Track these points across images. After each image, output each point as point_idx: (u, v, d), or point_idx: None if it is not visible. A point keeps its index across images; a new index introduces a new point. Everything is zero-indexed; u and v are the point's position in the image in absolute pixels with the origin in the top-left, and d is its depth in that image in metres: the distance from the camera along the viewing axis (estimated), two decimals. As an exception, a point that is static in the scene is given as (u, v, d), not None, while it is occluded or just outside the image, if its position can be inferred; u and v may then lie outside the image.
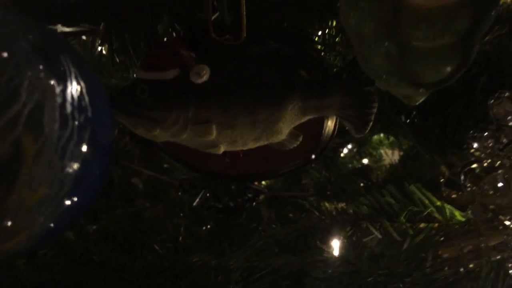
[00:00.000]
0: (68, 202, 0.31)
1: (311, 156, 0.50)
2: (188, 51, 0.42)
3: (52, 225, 0.31)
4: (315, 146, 0.49)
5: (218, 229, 0.98)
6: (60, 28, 0.41)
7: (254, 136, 0.44)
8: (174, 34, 0.49)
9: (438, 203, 0.52)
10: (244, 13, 0.44)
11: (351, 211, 0.57)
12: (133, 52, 0.46)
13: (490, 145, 0.44)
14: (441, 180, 0.46)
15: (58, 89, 0.28)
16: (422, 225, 0.54)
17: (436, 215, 0.53)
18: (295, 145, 0.46)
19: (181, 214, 1.00)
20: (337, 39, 0.57)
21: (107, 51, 0.46)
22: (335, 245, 0.95)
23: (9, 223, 0.28)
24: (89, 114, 0.30)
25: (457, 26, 0.36)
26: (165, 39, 0.47)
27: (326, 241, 0.97)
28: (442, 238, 0.48)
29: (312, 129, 0.47)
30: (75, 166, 0.30)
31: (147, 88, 0.41)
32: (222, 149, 0.44)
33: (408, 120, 0.68)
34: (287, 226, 1.04)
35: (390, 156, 1.23)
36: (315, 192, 1.04)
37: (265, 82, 0.43)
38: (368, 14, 0.37)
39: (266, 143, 0.45)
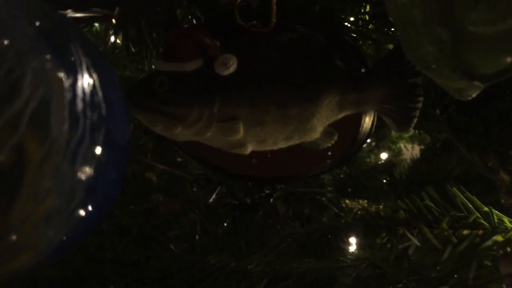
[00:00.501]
0: (80, 213, 0.27)
1: (345, 156, 0.45)
2: (212, 39, 0.38)
3: (62, 239, 0.27)
4: (350, 146, 0.44)
5: (234, 226, 0.94)
6: (70, 14, 0.37)
7: (286, 134, 0.39)
8: (194, 21, 0.44)
9: (485, 209, 0.47)
10: (274, -4, 0.39)
11: (383, 214, 0.52)
12: (150, 41, 0.42)
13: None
14: (501, 188, 0.41)
15: (67, 83, 0.24)
16: (465, 231, 0.49)
17: (482, 221, 0.48)
18: (329, 145, 0.41)
19: (197, 211, 0.96)
20: (370, 25, 0.52)
21: (122, 40, 0.42)
22: (359, 246, 0.90)
23: (13, 240, 0.24)
24: (103, 111, 0.26)
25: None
26: (186, 26, 0.43)
27: (349, 242, 0.92)
28: (501, 252, 0.43)
29: (348, 126, 0.42)
30: (88, 172, 0.25)
31: (167, 80, 0.37)
32: (249, 149, 0.40)
33: (444, 115, 0.62)
34: (307, 225, 1.00)
35: (410, 150, 1.19)
36: (335, 189, 1.00)
37: (298, 74, 0.39)
38: (419, -5, 0.32)
39: (298, 142, 0.41)
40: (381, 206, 0.96)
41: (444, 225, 0.48)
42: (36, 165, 0.23)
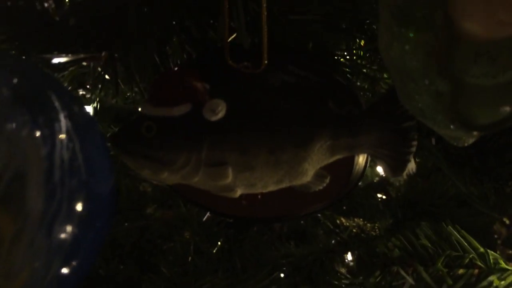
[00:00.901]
0: (59, 279, 0.25)
1: (338, 197, 0.44)
2: (202, 82, 0.37)
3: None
4: (343, 187, 0.43)
5: (228, 245, 0.93)
6: (57, 57, 0.36)
7: (276, 178, 0.38)
8: (185, 57, 0.43)
9: (481, 249, 0.46)
10: (266, 36, 0.38)
11: (378, 251, 0.51)
12: (139, 78, 0.41)
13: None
14: (498, 241, 0.40)
15: (44, 151, 0.23)
16: (460, 271, 0.48)
17: (478, 261, 0.47)
18: (321, 187, 0.40)
19: (190, 231, 0.95)
20: (364, 61, 0.51)
21: (110, 77, 0.41)
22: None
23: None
24: (83, 176, 0.24)
25: (523, 61, 0.30)
26: (175, 68, 0.41)
27: (344, 265, 0.91)
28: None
29: (340, 168, 0.41)
30: (66, 239, 0.24)
31: (154, 125, 0.36)
32: (238, 192, 0.39)
33: (440, 145, 0.61)
34: (302, 246, 0.99)
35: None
36: (329, 207, 0.98)
37: (289, 118, 0.38)
38: (416, 45, 0.31)
39: (288, 185, 0.39)
40: (376, 225, 0.95)
41: (440, 266, 0.47)
42: (9, 242, 0.22)
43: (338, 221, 0.94)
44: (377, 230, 0.96)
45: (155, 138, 0.36)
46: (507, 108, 0.33)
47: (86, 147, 0.25)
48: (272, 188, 0.39)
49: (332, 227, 0.95)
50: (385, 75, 0.53)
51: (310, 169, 0.39)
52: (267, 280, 0.76)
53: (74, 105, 0.26)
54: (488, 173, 0.55)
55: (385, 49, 0.33)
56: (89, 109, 0.52)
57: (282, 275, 0.79)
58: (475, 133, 0.34)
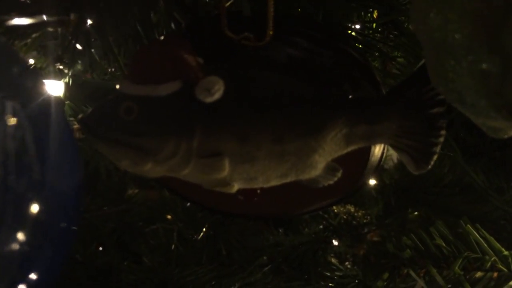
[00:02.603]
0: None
1: (348, 193, 0.38)
2: (194, 55, 0.30)
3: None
4: (356, 181, 0.37)
5: (214, 232, 0.88)
6: (19, 20, 0.29)
7: (280, 172, 0.32)
8: (173, 27, 0.37)
9: (506, 252, 0.41)
10: (272, 0, 0.32)
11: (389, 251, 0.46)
12: (118, 51, 0.34)
13: None
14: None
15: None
16: (478, 274, 0.43)
17: (500, 265, 0.42)
18: (331, 182, 0.35)
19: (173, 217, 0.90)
20: (377, 35, 0.45)
21: (84, 48, 0.34)
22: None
23: None
24: (36, 174, 0.18)
25: None
26: (161, 37, 0.35)
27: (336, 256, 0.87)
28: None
29: (354, 160, 0.36)
30: (15, 251, 0.18)
31: (135, 106, 0.30)
32: (235, 187, 0.33)
33: (451, 131, 0.56)
34: (292, 235, 0.95)
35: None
36: (337, 203, 0.93)
37: (298, 101, 0.32)
38: (462, 12, 0.25)
39: (294, 179, 0.34)
40: (368, 212, 0.91)
41: (457, 269, 0.42)
42: None
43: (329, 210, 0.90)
44: (368, 217, 0.92)
45: (136, 122, 0.30)
46: None
47: (42, 136, 0.19)
48: (275, 182, 0.33)
49: (321, 212, 0.91)
50: (398, 54, 0.47)
51: (321, 161, 0.33)
52: (255, 274, 0.71)
53: (27, 81, 0.20)
54: (506, 166, 0.50)
55: (419, 19, 0.27)
56: (59, 85, 0.45)
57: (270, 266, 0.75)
58: (523, 124, 0.28)
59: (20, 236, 0.19)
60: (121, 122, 0.30)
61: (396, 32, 0.43)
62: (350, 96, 0.33)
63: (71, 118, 0.45)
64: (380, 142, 0.34)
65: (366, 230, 0.89)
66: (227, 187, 0.33)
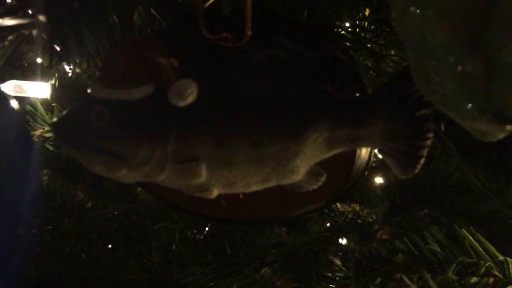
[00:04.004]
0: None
1: (335, 197, 0.37)
2: (168, 57, 0.29)
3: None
4: (342, 185, 0.36)
5: (217, 231, 0.88)
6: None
7: (260, 177, 0.31)
8: (154, 27, 0.36)
9: (501, 257, 0.40)
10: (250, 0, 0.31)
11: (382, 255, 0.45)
12: (95, 54, 0.33)
13: None
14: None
15: None
16: (473, 280, 0.42)
17: (495, 271, 0.41)
18: (315, 187, 0.33)
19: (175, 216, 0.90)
20: (369, 34, 0.44)
21: (60, 49, 0.33)
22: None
23: None
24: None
25: None
26: (133, 39, 0.34)
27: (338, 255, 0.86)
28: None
29: (339, 164, 0.34)
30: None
31: (107, 111, 0.29)
32: (215, 192, 0.32)
33: (450, 131, 0.54)
34: (294, 234, 0.94)
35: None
36: (325, 207, 0.93)
37: (278, 103, 0.31)
38: (441, 12, 0.24)
39: (275, 184, 0.33)
40: (373, 211, 0.90)
41: (450, 274, 0.41)
42: None
43: (333, 206, 0.90)
44: (373, 216, 0.91)
45: (108, 127, 0.29)
46: (553, 97, 0.25)
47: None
48: (255, 188, 0.32)
49: (327, 211, 0.91)
50: (392, 52, 0.46)
51: (303, 165, 0.32)
52: (255, 275, 0.71)
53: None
54: (506, 167, 0.48)
55: (399, 17, 0.26)
56: (46, 86, 0.45)
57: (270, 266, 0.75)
58: (508, 127, 0.27)
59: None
60: (93, 127, 0.29)
61: (387, 30, 0.41)
62: (332, 98, 0.32)
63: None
64: (365, 146, 0.33)
65: (376, 227, 0.88)
66: (206, 192, 0.32)
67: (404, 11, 0.25)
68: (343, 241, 0.90)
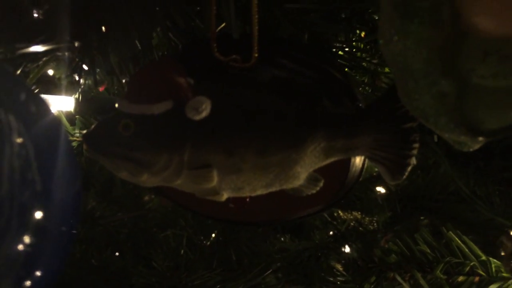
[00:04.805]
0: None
1: (333, 201, 0.41)
2: (185, 77, 0.33)
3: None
4: (338, 190, 0.40)
5: (224, 238, 0.91)
6: (30, 47, 0.33)
7: (265, 182, 0.35)
8: (170, 49, 0.40)
9: (483, 257, 0.44)
10: (256, 26, 0.35)
11: (376, 258, 0.48)
12: (119, 70, 0.38)
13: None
14: (502, 253, 0.37)
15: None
16: (460, 278, 0.45)
17: (479, 270, 0.44)
18: (314, 191, 0.37)
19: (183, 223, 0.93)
20: (364, 54, 0.48)
21: (88, 68, 0.38)
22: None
23: None
24: (38, 187, 0.21)
25: (539, 61, 0.27)
26: (155, 61, 0.38)
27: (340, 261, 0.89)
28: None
29: (335, 170, 0.38)
30: (20, 253, 0.21)
31: (132, 124, 0.33)
32: (225, 196, 0.36)
33: (441, 142, 0.58)
34: (297, 241, 0.97)
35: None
36: (325, 210, 0.95)
37: (280, 117, 0.35)
38: (419, 41, 0.28)
39: (278, 189, 0.37)
40: (374, 219, 0.93)
41: (438, 273, 0.45)
42: None
43: (335, 214, 0.92)
44: (375, 224, 0.94)
45: (133, 138, 0.33)
46: (518, 112, 0.30)
47: (43, 153, 0.22)
48: (261, 192, 0.36)
49: (329, 219, 0.93)
50: (386, 69, 0.50)
51: (303, 172, 0.36)
52: (259, 278, 0.74)
53: (31, 106, 0.23)
54: (493, 175, 0.52)
55: (385, 44, 0.30)
56: (70, 100, 0.49)
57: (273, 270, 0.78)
58: (480, 138, 0.31)
59: (24, 239, 0.22)
60: (120, 137, 0.33)
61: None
62: (329, 112, 0.36)
63: (82, 131, 0.49)
64: (357, 155, 0.37)
65: (378, 236, 0.91)
66: (216, 195, 0.36)
67: (389, 39, 0.29)
68: (345, 249, 0.92)
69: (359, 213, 0.94)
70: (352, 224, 0.93)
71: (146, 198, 0.98)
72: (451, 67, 0.28)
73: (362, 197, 0.93)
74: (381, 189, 0.97)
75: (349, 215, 0.94)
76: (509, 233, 0.39)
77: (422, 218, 0.86)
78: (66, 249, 0.26)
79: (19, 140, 0.21)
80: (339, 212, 0.90)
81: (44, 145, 0.23)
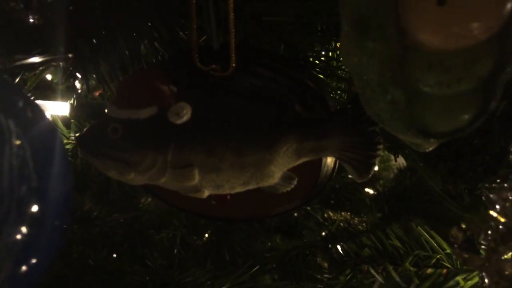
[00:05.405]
0: (15, 277, 0.26)
1: (308, 198, 0.45)
2: (168, 84, 0.37)
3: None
4: (312, 188, 0.44)
5: (217, 238, 0.94)
6: (27, 58, 0.36)
7: (242, 180, 0.39)
8: (156, 59, 0.44)
9: (448, 250, 0.47)
10: (233, 38, 0.39)
11: (351, 252, 0.52)
12: (110, 80, 0.41)
13: (510, 198, 0.38)
14: (454, 245, 0.41)
15: (-8, 159, 0.23)
16: (429, 271, 0.49)
17: (446, 262, 0.48)
18: (289, 189, 0.41)
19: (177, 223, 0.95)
20: (339, 63, 0.51)
21: (81, 76, 0.41)
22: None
23: None
24: (34, 183, 0.25)
25: (478, 71, 0.31)
26: (141, 69, 0.42)
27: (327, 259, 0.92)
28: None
29: (308, 169, 0.42)
30: (17, 241, 0.25)
31: (120, 127, 0.36)
32: (206, 193, 0.40)
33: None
34: (287, 240, 1.00)
35: (399, 157, 1.18)
36: (318, 200, 0.99)
37: (255, 121, 0.38)
38: (371, 54, 0.31)
39: (255, 187, 0.40)
40: (363, 219, 0.96)
41: (407, 265, 0.48)
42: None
43: (325, 215, 0.95)
44: (364, 224, 0.96)
45: (121, 140, 0.36)
46: (464, 117, 0.33)
47: (38, 154, 0.26)
48: (239, 189, 0.40)
49: (321, 220, 0.96)
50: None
51: (277, 171, 0.39)
52: (248, 275, 0.77)
53: (28, 112, 0.27)
54: (462, 175, 0.55)
55: (345, 57, 0.33)
56: (66, 105, 0.53)
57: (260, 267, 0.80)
58: (432, 140, 0.34)
59: (21, 230, 0.26)
60: (109, 140, 0.36)
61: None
62: (301, 117, 0.40)
63: (74, 135, 0.53)
64: (327, 155, 0.41)
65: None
66: (198, 193, 0.40)
67: (347, 53, 0.33)
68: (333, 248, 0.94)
69: (349, 213, 0.97)
70: (341, 224, 0.96)
71: (142, 200, 1.01)
72: (400, 77, 0.31)
73: (351, 198, 0.96)
74: (369, 190, 1.01)
75: (339, 215, 0.96)
76: (460, 225, 0.42)
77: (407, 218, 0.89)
78: (58, 241, 0.30)
79: (17, 142, 0.25)
80: (330, 213, 0.94)
81: (39, 147, 0.26)
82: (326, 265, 0.94)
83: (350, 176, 1.08)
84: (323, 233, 0.95)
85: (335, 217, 0.96)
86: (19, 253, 0.25)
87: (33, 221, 0.26)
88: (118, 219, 1.01)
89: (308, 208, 0.99)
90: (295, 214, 1.01)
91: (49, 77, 0.60)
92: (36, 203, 0.25)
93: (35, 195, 0.25)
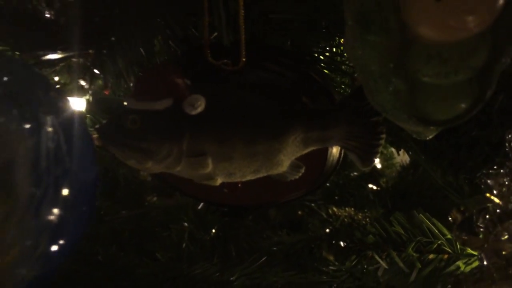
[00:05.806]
0: (48, 255, 0.28)
1: (315, 185, 0.47)
2: (183, 78, 0.39)
3: (33, 277, 0.29)
4: (319, 176, 0.46)
5: (223, 233, 0.96)
6: (49, 54, 0.39)
7: (253, 168, 0.41)
8: (169, 55, 0.46)
9: (449, 236, 0.49)
10: (243, 35, 0.41)
11: (355, 239, 0.54)
12: (126, 74, 0.43)
13: (506, 183, 0.41)
14: (454, 225, 0.43)
15: (31, 142, 0.26)
16: (431, 256, 0.51)
17: (447, 247, 0.50)
18: (297, 177, 0.43)
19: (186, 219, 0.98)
20: (343, 58, 0.54)
21: (99, 72, 0.44)
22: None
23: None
24: (67, 164, 0.27)
25: (473, 62, 0.33)
26: (157, 64, 0.44)
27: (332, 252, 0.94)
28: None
29: (315, 158, 0.44)
30: (52, 221, 0.27)
31: (138, 119, 0.39)
32: (219, 181, 0.42)
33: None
34: (292, 234, 1.02)
35: (401, 155, 1.20)
36: (322, 196, 1.01)
37: (265, 112, 0.40)
38: (373, 47, 0.34)
39: (265, 175, 0.42)
40: (367, 214, 0.97)
41: (410, 250, 0.50)
42: (0, 222, 0.25)
43: (330, 211, 0.97)
44: (367, 219, 0.98)
45: (139, 130, 0.39)
46: (462, 105, 0.35)
47: (69, 139, 0.28)
48: (250, 177, 0.42)
49: (325, 216, 0.97)
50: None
51: (285, 160, 0.42)
52: (255, 266, 0.78)
53: (60, 102, 0.29)
54: (462, 166, 0.57)
55: (349, 50, 0.36)
56: (82, 101, 0.55)
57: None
58: (432, 127, 0.37)
59: (56, 209, 0.28)
60: (128, 130, 0.39)
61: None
62: (307, 108, 0.42)
63: (91, 128, 0.55)
64: (332, 144, 0.43)
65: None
66: (211, 180, 0.42)
67: (352, 46, 0.35)
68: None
69: (352, 209, 0.99)
70: (346, 220, 0.98)
71: (149, 198, 1.03)
72: (401, 68, 0.34)
73: (355, 193, 0.98)
74: (373, 186, 1.03)
75: (343, 211, 0.98)
76: (459, 207, 0.44)
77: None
78: (86, 221, 0.32)
79: (50, 129, 0.27)
80: (334, 209, 0.96)
81: (70, 133, 0.29)
82: (331, 258, 0.96)
83: (354, 173, 1.10)
84: (327, 230, 0.97)
85: (339, 213, 0.98)
86: (53, 231, 0.28)
87: (65, 201, 0.28)
88: (126, 216, 1.03)
89: (313, 204, 1.01)
90: (299, 212, 1.03)
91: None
92: (69, 184, 0.28)
93: (69, 176, 0.28)
